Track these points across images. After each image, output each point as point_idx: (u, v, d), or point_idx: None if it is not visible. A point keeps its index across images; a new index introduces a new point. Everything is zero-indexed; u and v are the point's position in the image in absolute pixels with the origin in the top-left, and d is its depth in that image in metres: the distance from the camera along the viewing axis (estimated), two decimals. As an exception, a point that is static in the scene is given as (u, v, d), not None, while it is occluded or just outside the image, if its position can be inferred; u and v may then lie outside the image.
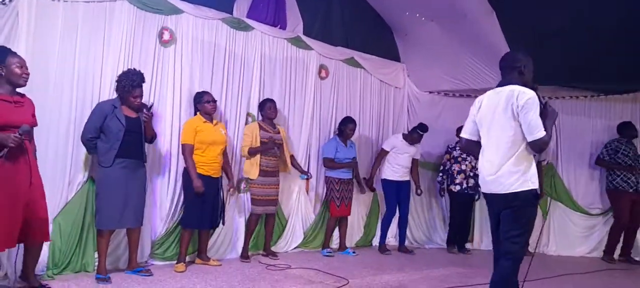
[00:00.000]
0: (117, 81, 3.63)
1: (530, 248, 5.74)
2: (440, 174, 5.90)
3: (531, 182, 2.54)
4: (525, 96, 2.50)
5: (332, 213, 5.22)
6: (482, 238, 6.20)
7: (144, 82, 3.67)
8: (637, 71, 4.92)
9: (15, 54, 2.95)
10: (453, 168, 5.79)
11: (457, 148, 5.83)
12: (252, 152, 4.50)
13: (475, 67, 5.72)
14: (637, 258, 5.57)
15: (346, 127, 5.22)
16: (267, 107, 4.66)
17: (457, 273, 4.44)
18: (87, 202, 3.69)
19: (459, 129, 5.88)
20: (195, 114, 4.19)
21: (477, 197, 5.86)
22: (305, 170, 5.14)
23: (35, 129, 3.06)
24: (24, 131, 2.73)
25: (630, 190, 5.46)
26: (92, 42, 3.79)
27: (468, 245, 5.96)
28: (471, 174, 5.75)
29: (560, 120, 5.99)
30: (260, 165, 4.52)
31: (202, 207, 4.02)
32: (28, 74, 2.95)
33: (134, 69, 3.66)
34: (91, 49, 3.78)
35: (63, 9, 3.63)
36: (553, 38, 4.91)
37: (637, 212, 5.50)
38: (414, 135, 5.53)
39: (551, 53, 5.01)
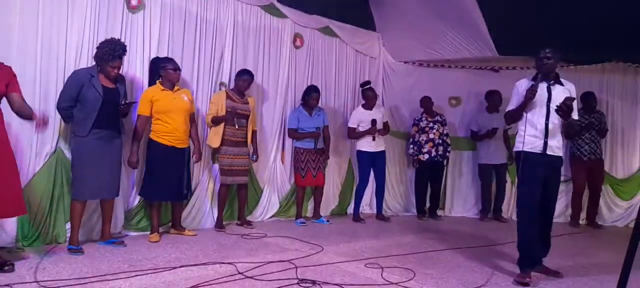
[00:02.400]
0: (97, 48, 3.52)
1: (503, 215, 5.99)
2: (411, 145, 5.99)
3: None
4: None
5: (297, 183, 5.25)
6: (452, 204, 6.36)
7: (125, 53, 3.59)
8: (605, 42, 5.03)
9: None
10: (421, 138, 5.88)
11: (424, 118, 5.91)
12: (214, 121, 4.44)
13: (449, 36, 5.75)
14: (601, 223, 5.82)
15: (310, 96, 5.18)
16: (242, 79, 4.58)
17: (429, 239, 4.57)
18: (56, 172, 3.61)
19: (422, 100, 5.96)
20: (154, 82, 4.03)
21: (446, 163, 5.98)
22: (258, 152, 4.85)
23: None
24: None
25: (585, 158, 5.62)
26: (54, 9, 3.62)
27: (439, 212, 6.11)
28: (439, 142, 5.86)
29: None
30: (224, 134, 4.47)
31: (165, 178, 3.93)
32: None
33: (117, 39, 3.59)
34: (54, 15, 3.62)
35: (23, -27, 3.46)
36: (526, 7, 4.94)
37: (595, 179, 5.69)
38: (365, 94, 5.50)
39: (523, 23, 5.06)
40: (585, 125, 5.61)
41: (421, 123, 5.92)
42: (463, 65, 6.32)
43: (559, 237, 4.88)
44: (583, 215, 5.83)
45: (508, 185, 6.05)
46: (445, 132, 5.95)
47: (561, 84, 3.24)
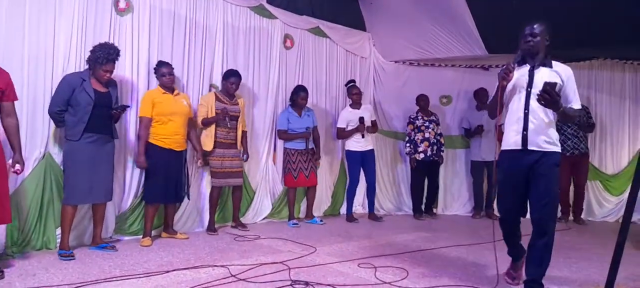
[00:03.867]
0: (91, 51, 3.51)
1: (496, 212, 6.00)
2: (407, 144, 5.99)
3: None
4: (570, 71, 2.75)
5: (287, 183, 5.24)
6: (446, 203, 6.39)
7: (118, 57, 3.58)
8: (592, 39, 5.09)
9: None
10: (416, 137, 5.90)
11: (420, 117, 5.93)
12: (205, 123, 4.43)
13: (439, 36, 5.79)
14: (591, 219, 5.88)
15: (297, 96, 5.18)
16: (229, 81, 4.55)
17: (422, 238, 4.58)
18: (46, 178, 3.57)
19: (419, 98, 5.98)
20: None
21: (441, 162, 6.02)
22: (249, 152, 4.89)
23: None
24: None
25: (567, 154, 5.61)
26: (41, 12, 3.59)
27: (434, 210, 6.14)
28: (435, 141, 5.88)
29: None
30: (215, 136, 4.46)
31: (164, 180, 3.96)
32: None
33: (111, 43, 3.59)
34: (41, 19, 3.59)
35: (8, -24, 3.42)
36: (514, 5, 4.98)
37: (578, 174, 5.72)
38: (351, 93, 5.56)
39: (511, 20, 5.09)
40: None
41: (417, 121, 5.92)
42: (453, 64, 6.36)
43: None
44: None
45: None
46: (439, 131, 5.98)
47: (549, 66, 2.70)
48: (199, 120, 4.44)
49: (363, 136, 5.45)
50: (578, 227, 5.50)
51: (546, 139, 2.63)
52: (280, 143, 5.37)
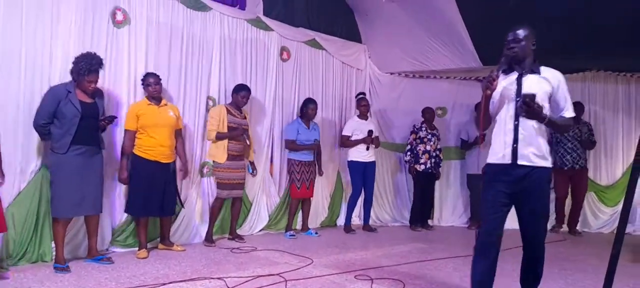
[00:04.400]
0: (74, 63, 3.48)
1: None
2: (408, 153, 5.99)
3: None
4: (561, 76, 2.60)
5: (293, 195, 5.25)
6: (441, 215, 6.40)
7: (102, 67, 3.56)
8: (585, 51, 5.15)
9: None
10: (418, 148, 5.92)
11: (424, 128, 5.96)
12: (219, 137, 4.44)
13: (434, 48, 5.84)
14: (587, 230, 5.91)
15: (307, 107, 5.24)
16: (240, 95, 4.59)
17: (418, 249, 4.59)
18: (42, 190, 3.55)
19: (425, 110, 6.01)
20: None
21: (437, 175, 6.04)
22: (253, 160, 4.88)
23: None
24: None
25: (566, 168, 5.68)
26: (38, 23, 3.60)
27: (429, 221, 6.15)
28: (434, 155, 5.91)
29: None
30: (227, 149, 4.48)
31: (148, 192, 3.89)
32: None
33: (94, 53, 3.54)
34: (38, 31, 3.60)
35: (6, -11, 3.44)
36: (508, 18, 5.03)
37: (578, 188, 5.77)
38: (360, 104, 5.66)
39: (505, 30, 5.15)
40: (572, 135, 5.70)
41: (420, 132, 5.95)
42: (448, 75, 6.41)
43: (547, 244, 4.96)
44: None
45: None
46: (439, 146, 6.03)
47: (537, 73, 2.53)
48: (213, 133, 4.45)
49: (368, 148, 5.51)
50: (573, 238, 5.53)
51: (536, 152, 2.44)
52: (277, 154, 5.39)
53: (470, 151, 6.03)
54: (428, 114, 6.01)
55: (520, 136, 2.44)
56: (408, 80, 6.55)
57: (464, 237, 5.44)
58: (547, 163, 2.49)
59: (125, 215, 4.10)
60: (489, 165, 2.56)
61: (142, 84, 4.04)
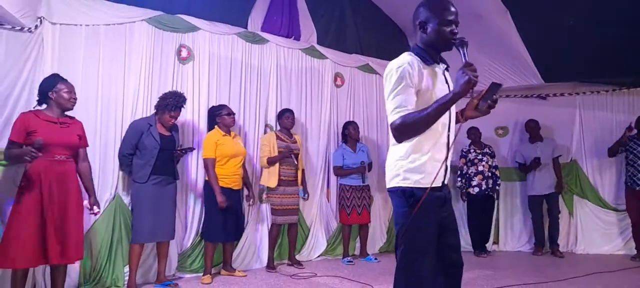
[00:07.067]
0: (161, 98, 3.78)
1: (561, 249, 5.62)
2: (459, 178, 5.83)
3: (402, 177, 1.89)
4: (386, 69, 1.90)
5: (342, 220, 5.21)
6: (506, 238, 6.11)
7: (184, 106, 3.84)
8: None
9: (65, 80, 3.11)
10: (469, 171, 5.74)
11: (472, 150, 5.79)
12: (270, 162, 4.56)
13: (492, 67, 5.70)
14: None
15: (347, 129, 5.25)
16: (284, 117, 4.73)
17: (484, 276, 4.39)
18: (115, 218, 3.79)
19: (469, 131, 5.83)
20: (213, 128, 4.26)
21: (496, 197, 5.79)
22: (307, 188, 4.98)
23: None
24: (38, 143, 2.71)
25: (637, 188, 5.23)
26: (113, 63, 3.93)
27: (494, 247, 5.88)
28: (489, 174, 5.69)
29: (582, 116, 5.92)
30: (279, 174, 4.57)
31: (224, 219, 4.06)
32: (76, 99, 3.13)
33: (180, 92, 3.85)
34: (113, 71, 3.92)
35: (85, 33, 3.78)
36: (569, 33, 4.85)
37: None
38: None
39: (569, 48, 4.95)
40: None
41: (469, 155, 5.78)
42: (508, 94, 6.20)
43: (624, 271, 4.59)
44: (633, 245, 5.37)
45: (565, 214, 5.77)
46: (494, 164, 5.78)
47: (446, 63, 2.07)
48: (265, 160, 4.58)
49: None
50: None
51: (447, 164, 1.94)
52: (334, 179, 5.41)
53: (529, 173, 5.75)
54: (473, 135, 5.80)
55: (450, 150, 1.91)
56: (465, 99, 6.37)
57: (531, 263, 5.14)
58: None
59: (191, 241, 4.26)
60: (412, 190, 1.86)
61: (217, 116, 4.22)
